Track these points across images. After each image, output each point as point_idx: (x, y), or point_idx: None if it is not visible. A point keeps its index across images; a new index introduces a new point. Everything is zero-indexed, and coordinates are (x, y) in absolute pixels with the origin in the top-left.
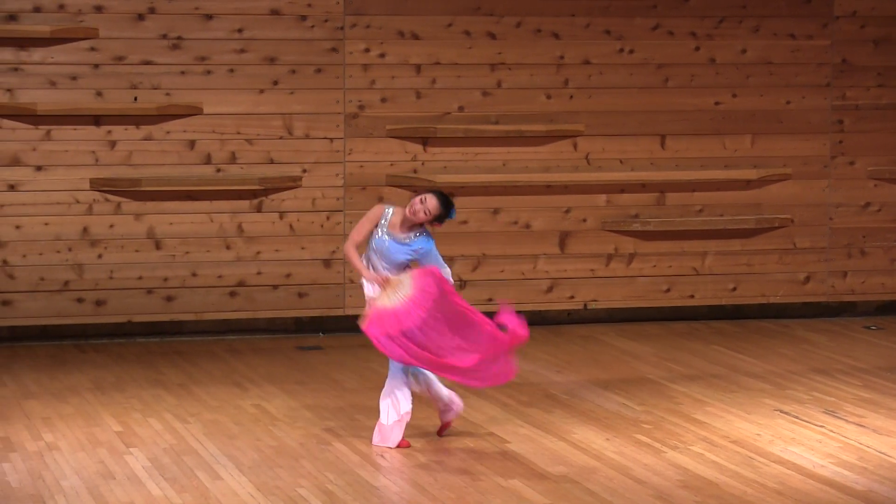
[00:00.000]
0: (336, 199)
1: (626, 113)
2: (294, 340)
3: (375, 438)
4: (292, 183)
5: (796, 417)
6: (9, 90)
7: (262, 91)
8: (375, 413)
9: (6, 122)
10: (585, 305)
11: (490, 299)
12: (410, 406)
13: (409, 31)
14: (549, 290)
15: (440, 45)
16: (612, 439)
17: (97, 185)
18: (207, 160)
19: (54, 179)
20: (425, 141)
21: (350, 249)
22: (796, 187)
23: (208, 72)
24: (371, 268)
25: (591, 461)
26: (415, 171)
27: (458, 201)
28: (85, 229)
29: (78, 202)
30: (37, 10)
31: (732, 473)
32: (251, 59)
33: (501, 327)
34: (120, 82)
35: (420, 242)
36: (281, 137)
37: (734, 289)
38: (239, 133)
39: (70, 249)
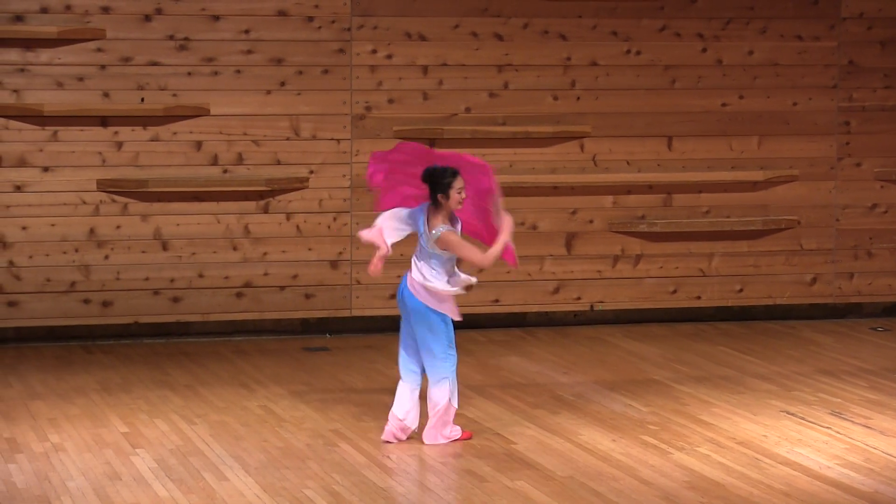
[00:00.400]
0: (343, 201)
1: (632, 114)
2: (301, 341)
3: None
4: (299, 184)
5: (803, 419)
6: (15, 91)
7: (269, 92)
8: (382, 414)
9: (13, 123)
10: (592, 306)
11: (496, 300)
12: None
13: (416, 33)
14: (556, 291)
15: (447, 47)
16: (618, 440)
17: (104, 185)
18: (214, 161)
19: (61, 180)
20: (432, 142)
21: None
22: (803, 189)
23: (215, 73)
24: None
25: (598, 462)
26: None
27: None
28: (91, 230)
29: (84, 203)
30: (44, 10)
31: (739, 475)
32: (258, 60)
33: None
34: (127, 83)
35: (439, 232)
36: (288, 138)
37: (741, 290)
38: (246, 134)
39: (77, 250)
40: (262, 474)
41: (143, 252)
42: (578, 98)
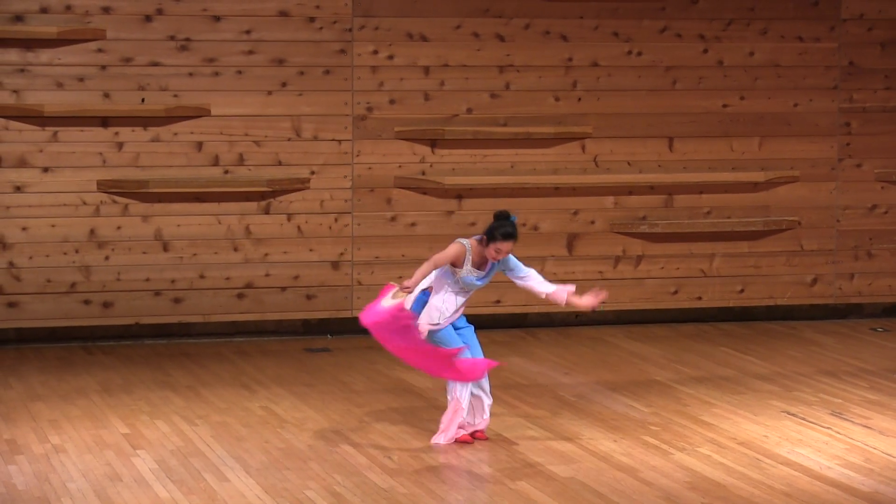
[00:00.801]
0: (344, 201)
1: (634, 115)
2: (302, 342)
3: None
4: (300, 185)
5: (803, 419)
6: (16, 91)
7: (270, 93)
8: (383, 415)
9: (13, 124)
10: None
11: (497, 301)
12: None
13: (417, 33)
14: None
15: (449, 47)
16: (619, 441)
17: (104, 186)
18: (215, 162)
19: (61, 181)
20: (433, 143)
21: (427, 266)
22: (804, 189)
23: (216, 73)
24: (438, 288)
25: (599, 463)
26: (423, 173)
27: (466, 203)
28: (92, 231)
29: (85, 204)
30: (44, 10)
31: (740, 475)
32: (259, 61)
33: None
34: (128, 84)
35: (496, 267)
36: (289, 139)
37: (742, 291)
38: (247, 135)
39: (77, 251)
40: (264, 475)
41: (144, 253)
42: (580, 99)
